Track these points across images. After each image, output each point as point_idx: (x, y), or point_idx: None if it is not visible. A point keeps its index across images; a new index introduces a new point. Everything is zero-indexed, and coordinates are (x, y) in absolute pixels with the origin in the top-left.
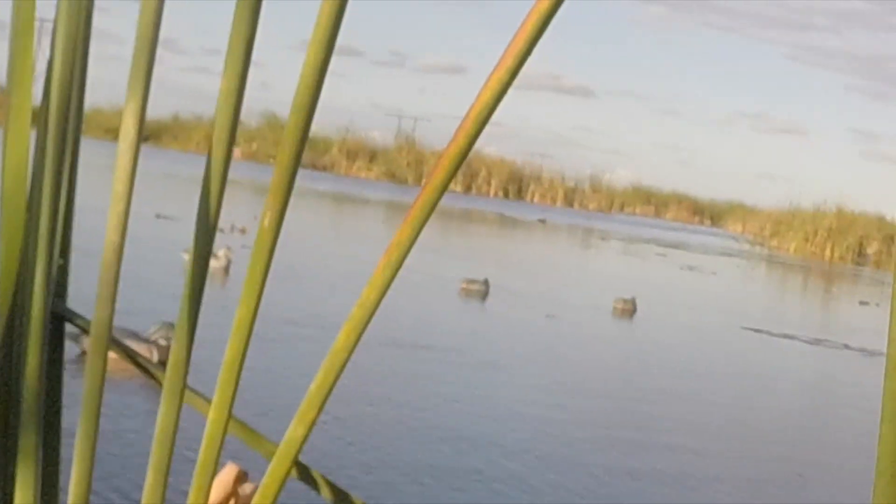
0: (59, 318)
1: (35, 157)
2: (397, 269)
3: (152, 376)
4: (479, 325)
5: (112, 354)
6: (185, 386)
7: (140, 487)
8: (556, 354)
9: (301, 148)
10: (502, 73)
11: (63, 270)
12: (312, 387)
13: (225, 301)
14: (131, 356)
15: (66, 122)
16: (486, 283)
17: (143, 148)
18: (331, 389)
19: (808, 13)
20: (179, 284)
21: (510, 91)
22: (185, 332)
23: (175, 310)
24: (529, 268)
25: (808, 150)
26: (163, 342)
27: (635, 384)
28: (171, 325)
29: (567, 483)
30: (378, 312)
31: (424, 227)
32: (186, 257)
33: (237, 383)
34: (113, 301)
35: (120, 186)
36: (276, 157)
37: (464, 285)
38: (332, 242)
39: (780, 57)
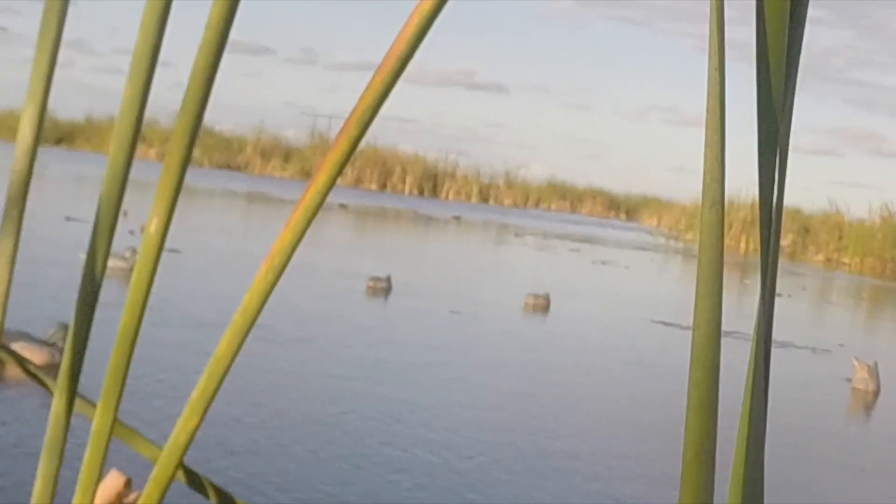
0: None
1: None
2: (280, 274)
3: (42, 382)
4: (376, 322)
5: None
6: (76, 392)
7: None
8: (451, 351)
9: (189, 152)
10: (385, 75)
11: None
12: (195, 393)
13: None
14: (20, 362)
15: None
16: (388, 280)
17: (56, 150)
18: (213, 396)
19: None
20: (76, 285)
21: (425, 88)
22: (78, 336)
23: (68, 311)
24: (441, 265)
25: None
26: (61, 344)
27: (533, 380)
28: (66, 326)
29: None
30: (276, 309)
31: (309, 229)
32: (84, 258)
33: (123, 387)
34: (4, 306)
35: (14, 191)
36: (164, 162)
37: (370, 283)
38: (236, 241)
39: (690, 49)
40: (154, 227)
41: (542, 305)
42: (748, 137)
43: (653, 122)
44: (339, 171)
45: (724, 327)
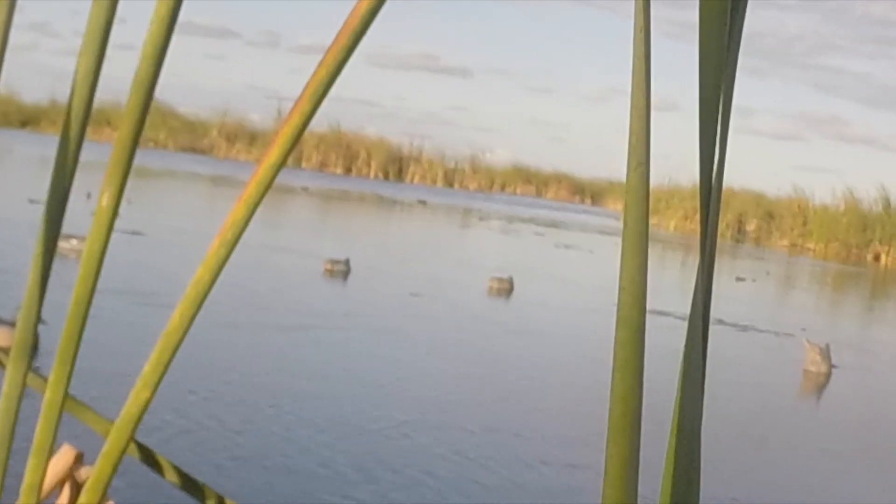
0: None
1: None
2: (232, 249)
3: None
4: (328, 303)
5: None
6: (28, 368)
7: None
8: (399, 332)
9: (140, 127)
10: (338, 51)
11: None
12: (147, 367)
13: (103, 281)
14: None
15: None
16: (347, 262)
17: (21, 133)
18: (165, 369)
19: None
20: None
21: (389, 72)
22: (29, 314)
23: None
24: (404, 248)
25: (684, 127)
26: None
27: (486, 361)
28: None
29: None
30: (225, 289)
31: (261, 206)
32: (59, 242)
33: (74, 362)
34: None
35: None
36: (116, 137)
37: (327, 266)
38: (199, 223)
39: (655, 33)
40: (106, 200)
41: (506, 289)
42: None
43: (616, 106)
44: (293, 146)
45: (685, 311)
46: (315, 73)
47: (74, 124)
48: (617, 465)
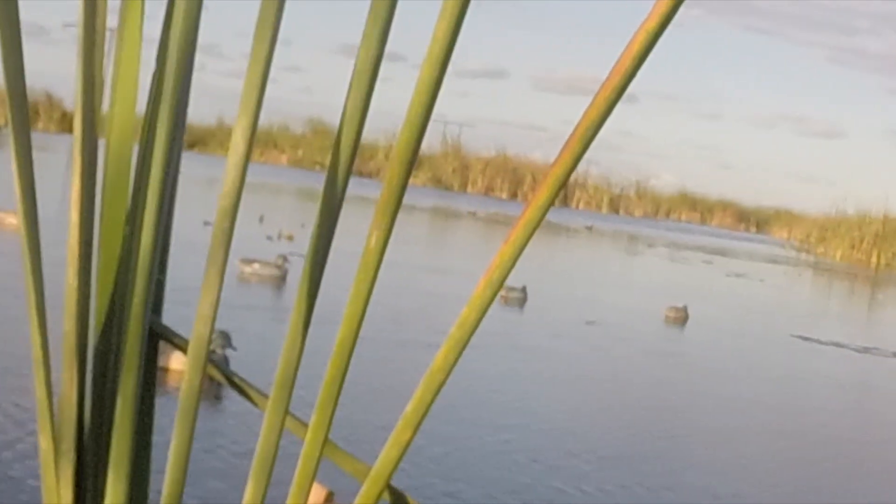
0: (154, 334)
1: (137, 168)
2: (498, 289)
3: (248, 397)
4: (511, 331)
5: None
6: (287, 408)
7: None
8: (588, 362)
9: (410, 167)
10: (609, 92)
11: (160, 286)
12: (409, 408)
13: (287, 307)
14: (228, 376)
15: (174, 134)
16: (524, 290)
17: (189, 154)
18: (427, 410)
19: (850, 15)
20: (233, 292)
21: (554, 96)
22: (292, 352)
23: (225, 318)
24: (576, 274)
25: (851, 154)
26: (220, 351)
27: (674, 393)
28: (225, 335)
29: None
30: (397, 315)
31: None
32: (241, 266)
33: (336, 404)
34: (213, 320)
35: (226, 202)
36: (386, 176)
37: (503, 293)
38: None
39: (821, 59)
40: (374, 241)
41: (682, 318)
42: (874, 149)
43: (781, 132)
44: (561, 187)
45: (863, 343)
46: (586, 113)
47: (342, 158)
48: None
